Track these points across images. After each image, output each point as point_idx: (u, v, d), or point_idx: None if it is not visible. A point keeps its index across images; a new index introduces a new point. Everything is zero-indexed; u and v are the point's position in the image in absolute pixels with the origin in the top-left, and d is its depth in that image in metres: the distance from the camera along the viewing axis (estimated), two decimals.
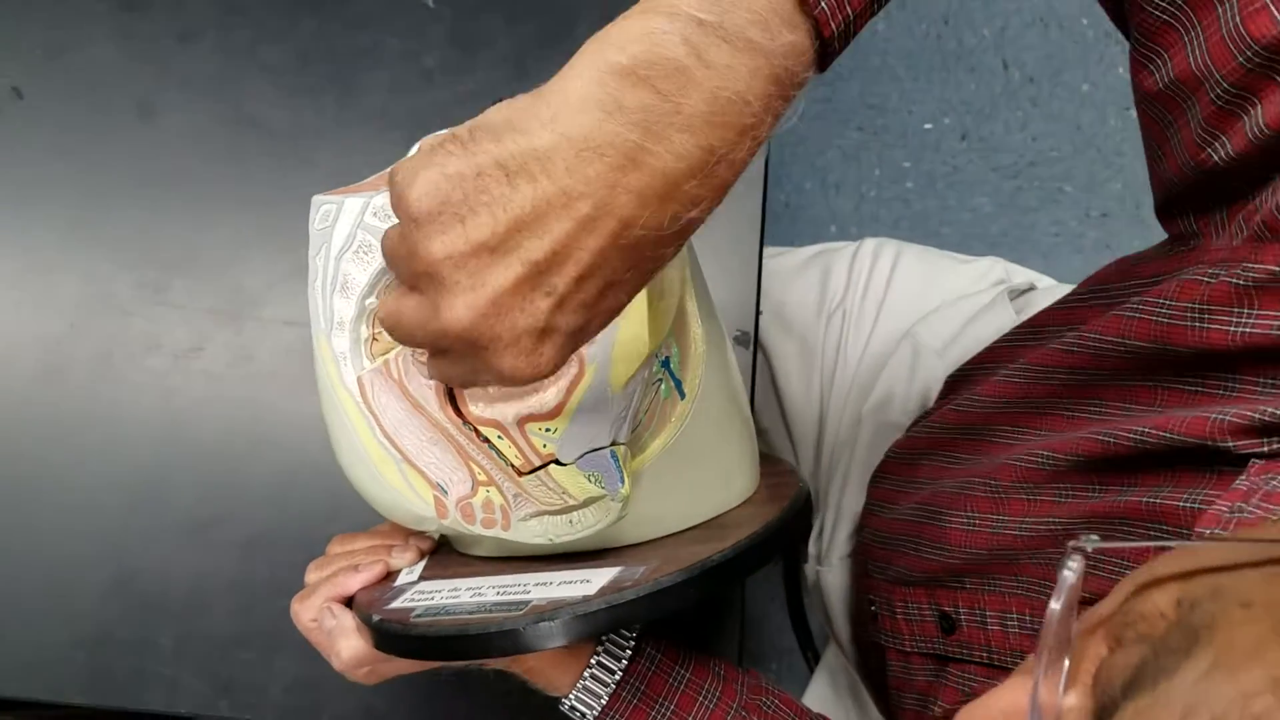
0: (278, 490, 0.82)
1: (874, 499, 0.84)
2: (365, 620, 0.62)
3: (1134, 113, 0.58)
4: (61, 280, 0.84)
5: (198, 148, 0.85)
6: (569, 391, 0.58)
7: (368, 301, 0.61)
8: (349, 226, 0.60)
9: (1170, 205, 0.58)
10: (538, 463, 0.60)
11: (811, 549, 0.98)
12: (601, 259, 0.41)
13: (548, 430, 0.59)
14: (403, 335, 0.45)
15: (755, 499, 0.68)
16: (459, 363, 0.44)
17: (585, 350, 0.58)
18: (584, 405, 0.57)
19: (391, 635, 0.60)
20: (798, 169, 1.61)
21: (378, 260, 0.60)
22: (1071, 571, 0.34)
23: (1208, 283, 0.51)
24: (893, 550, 0.76)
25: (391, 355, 0.61)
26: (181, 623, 0.81)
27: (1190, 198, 0.55)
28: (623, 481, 0.59)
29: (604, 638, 0.71)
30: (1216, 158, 0.51)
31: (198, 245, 0.84)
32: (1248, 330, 0.50)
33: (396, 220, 0.43)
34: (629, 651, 0.70)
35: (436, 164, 0.41)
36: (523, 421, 0.60)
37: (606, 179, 0.40)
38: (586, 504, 0.59)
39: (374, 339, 0.62)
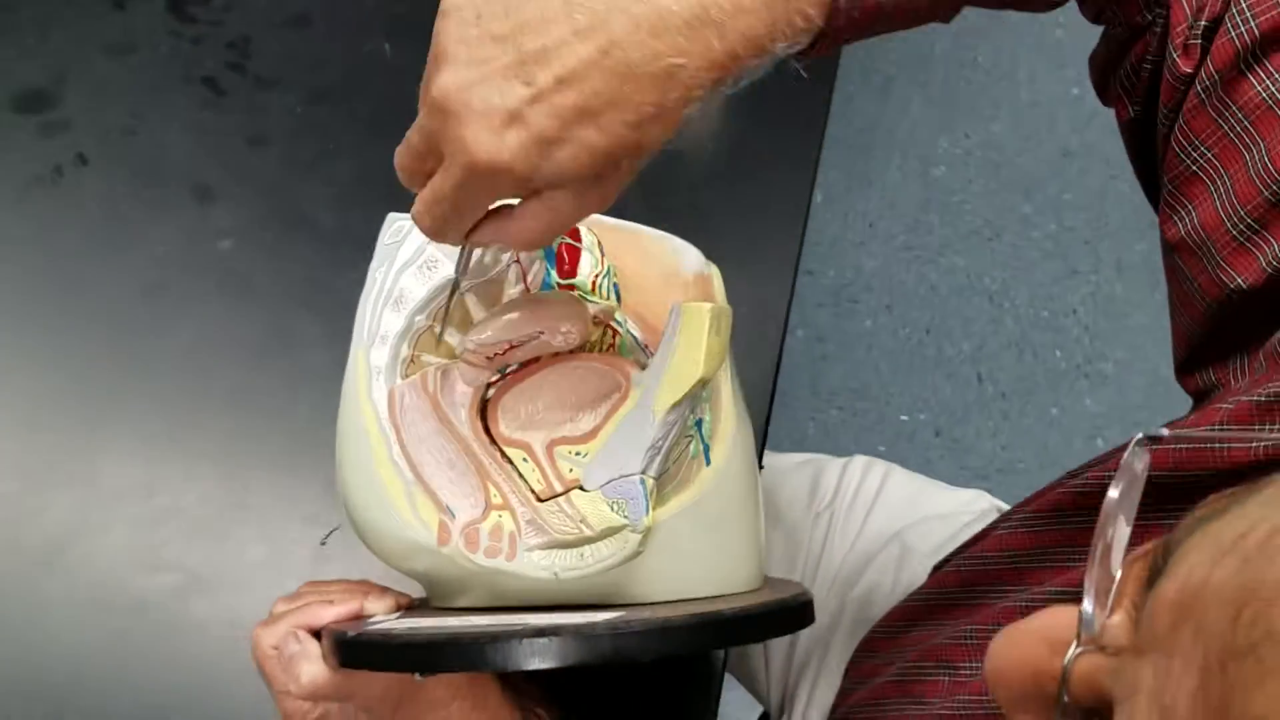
0: None
1: (853, 678, 0.81)
2: (338, 638, 0.58)
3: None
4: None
5: (244, 234, 0.88)
6: (608, 415, 0.58)
7: (417, 318, 0.62)
8: (420, 242, 0.62)
9: (1191, 360, 0.59)
10: (560, 489, 0.59)
11: None
12: (584, 69, 0.45)
13: (577, 454, 0.59)
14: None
15: (758, 593, 0.66)
16: (430, 137, 0.48)
17: (634, 372, 0.58)
18: (622, 428, 0.58)
19: (370, 645, 0.56)
20: (774, 435, 1.65)
21: (439, 276, 0.62)
22: (1137, 459, 0.33)
23: (1227, 408, 0.51)
24: (876, 717, 0.73)
25: (431, 369, 0.62)
26: None
27: (1210, 346, 0.57)
28: (647, 511, 0.58)
29: None
30: (1232, 293, 0.53)
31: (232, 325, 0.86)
32: (1270, 443, 0.51)
33: None
34: None
35: None
36: (552, 445, 0.60)
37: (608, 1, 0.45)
38: (603, 536, 0.57)
39: (413, 360, 0.63)
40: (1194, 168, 0.54)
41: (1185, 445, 0.53)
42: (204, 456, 0.81)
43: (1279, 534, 0.24)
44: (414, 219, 0.52)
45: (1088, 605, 0.31)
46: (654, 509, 0.58)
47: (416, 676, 0.56)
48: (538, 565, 0.58)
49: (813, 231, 1.85)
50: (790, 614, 0.59)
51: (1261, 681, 0.23)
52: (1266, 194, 0.50)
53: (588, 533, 0.57)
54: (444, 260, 0.62)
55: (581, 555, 0.58)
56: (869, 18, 0.49)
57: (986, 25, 1.98)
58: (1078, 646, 0.30)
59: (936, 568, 0.78)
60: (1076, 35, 1.98)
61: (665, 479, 0.60)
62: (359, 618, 0.63)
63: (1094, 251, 1.85)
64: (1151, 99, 0.57)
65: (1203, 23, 0.52)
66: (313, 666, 0.60)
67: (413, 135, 0.50)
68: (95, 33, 0.94)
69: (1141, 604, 0.30)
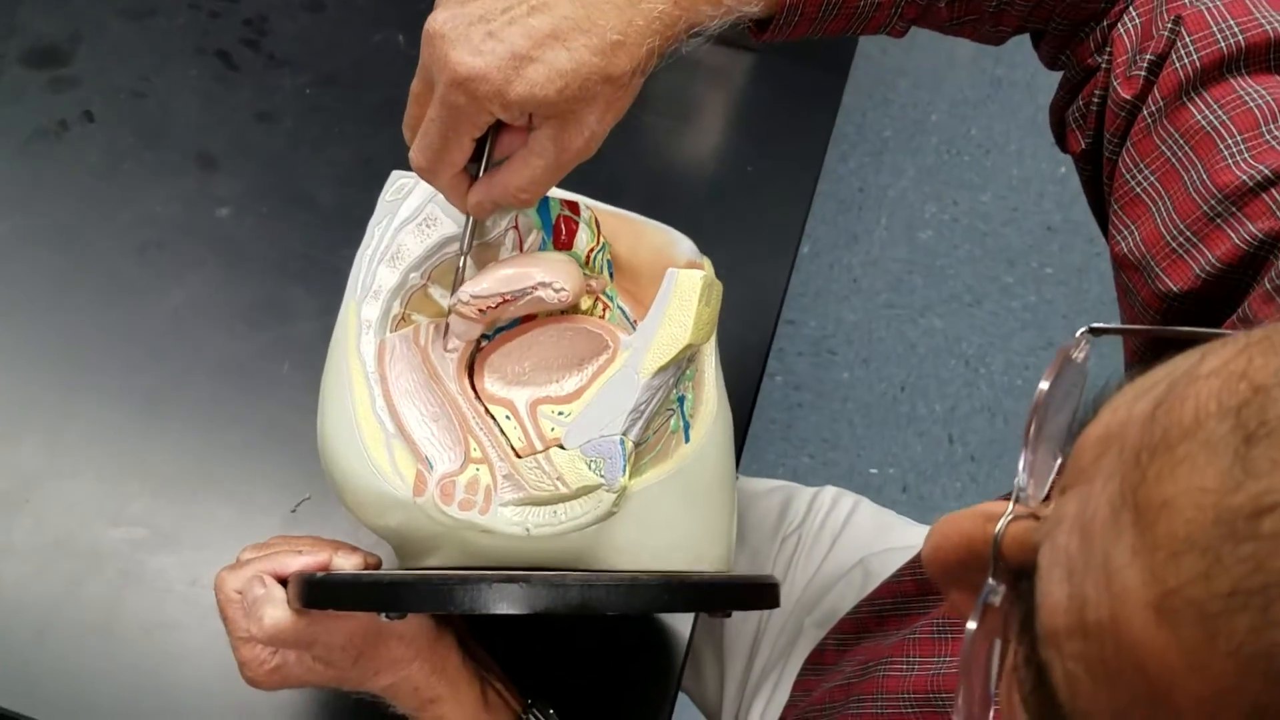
0: None
1: (800, 690, 0.81)
2: (306, 579, 0.58)
3: None
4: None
5: (243, 204, 0.89)
6: (594, 377, 0.59)
7: (412, 275, 0.63)
8: (420, 200, 0.63)
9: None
10: (540, 446, 0.60)
11: None
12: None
13: (560, 414, 0.59)
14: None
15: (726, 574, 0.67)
16: (424, 71, 0.54)
17: (622, 336, 0.59)
18: (607, 389, 0.58)
19: (338, 585, 0.56)
20: (743, 475, 1.65)
21: (437, 235, 0.63)
22: (1077, 349, 0.34)
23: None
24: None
25: (424, 323, 0.62)
26: None
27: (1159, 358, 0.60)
28: (624, 471, 0.58)
29: (527, 711, 0.66)
30: (1169, 300, 0.55)
31: (222, 293, 0.86)
32: None
33: None
34: None
35: None
36: (536, 404, 0.60)
37: None
38: (578, 494, 0.58)
39: (403, 318, 0.63)
40: (1138, 190, 0.57)
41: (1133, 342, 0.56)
42: (181, 417, 0.81)
43: (1196, 368, 0.26)
44: (411, 160, 0.56)
45: (1022, 478, 0.33)
46: (631, 476, 0.59)
47: (383, 617, 0.56)
48: (510, 521, 0.58)
49: (798, 283, 1.88)
50: (757, 591, 0.59)
51: (1173, 470, 0.25)
52: (1205, 208, 0.54)
53: (563, 490, 0.58)
54: (443, 218, 0.63)
55: (555, 512, 0.58)
56: (815, 6, 0.56)
57: (982, 100, 2.03)
58: (1011, 513, 0.32)
59: (892, 578, 0.79)
60: None
61: (644, 449, 0.61)
62: (325, 570, 0.63)
63: (1071, 326, 1.87)
64: (1100, 130, 0.61)
65: (1147, 56, 0.56)
66: (276, 610, 0.59)
67: (414, 83, 0.55)
68: None
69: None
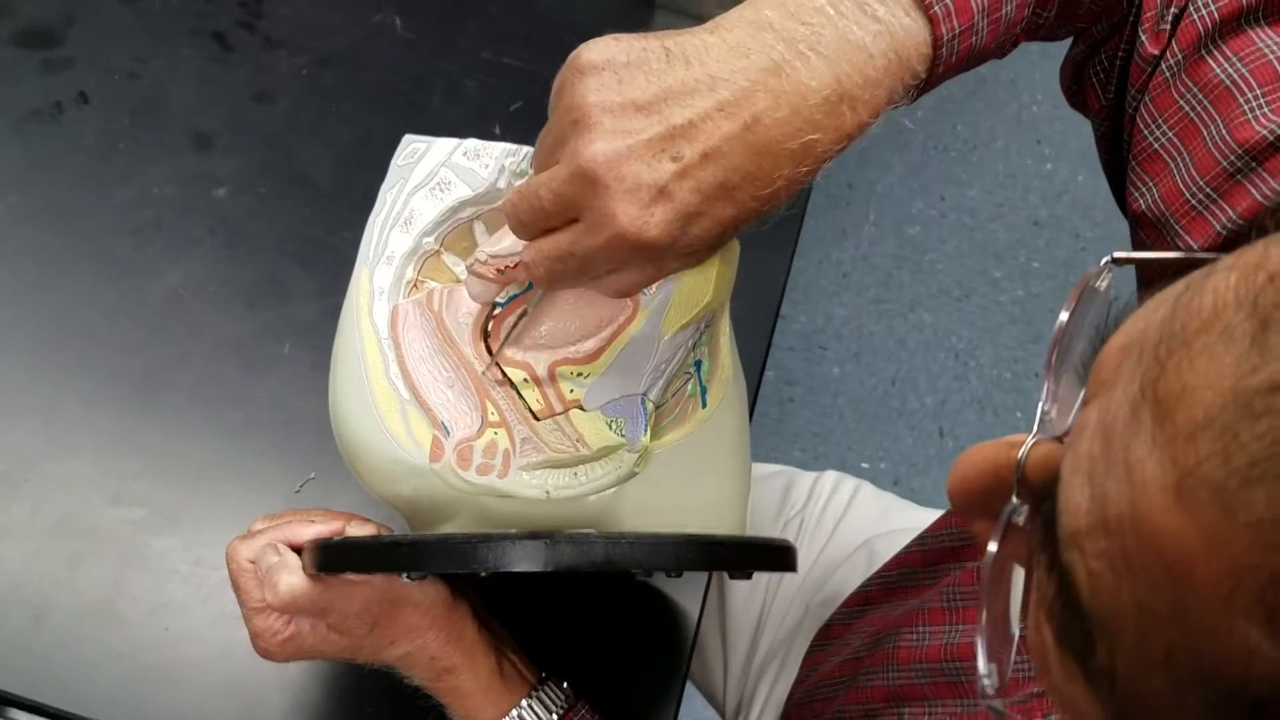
0: None
1: (808, 666, 0.81)
2: (322, 544, 0.57)
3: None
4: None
5: (241, 184, 0.88)
6: (613, 337, 0.58)
7: (425, 240, 0.62)
8: (433, 164, 0.62)
9: None
10: (559, 409, 0.59)
11: None
12: (728, 145, 0.46)
13: (579, 375, 0.59)
14: (541, 162, 0.49)
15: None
16: (567, 201, 0.47)
17: (641, 296, 0.58)
18: (626, 350, 0.57)
19: (356, 546, 0.55)
20: None
21: (450, 198, 0.62)
22: (1100, 279, 0.34)
23: None
24: (828, 698, 0.73)
25: (438, 289, 0.61)
26: None
27: None
28: (645, 431, 0.58)
29: (541, 684, 0.65)
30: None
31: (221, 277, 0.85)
32: None
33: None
34: (563, 704, 0.64)
35: (611, 36, 0.47)
36: (554, 366, 0.60)
37: (750, 74, 0.46)
38: (599, 455, 0.57)
39: (415, 284, 0.63)
40: (1156, 146, 0.57)
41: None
42: (181, 398, 0.80)
43: (1214, 266, 0.27)
44: (526, 266, 0.51)
45: (1046, 405, 0.33)
46: (651, 438, 0.58)
47: (404, 578, 0.54)
48: (530, 484, 0.57)
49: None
50: (776, 553, 0.58)
51: (1191, 361, 0.25)
52: (1224, 164, 0.53)
53: (584, 452, 0.57)
54: (456, 182, 0.62)
55: (576, 474, 0.58)
56: (963, 59, 0.52)
57: (965, 97, 2.03)
58: (1034, 436, 0.32)
59: (900, 552, 0.79)
60: (1049, 111, 2.04)
61: (663, 413, 0.60)
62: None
63: (1058, 320, 1.88)
64: (1121, 87, 0.60)
65: (1172, 10, 0.55)
66: (292, 577, 0.58)
67: (542, 193, 0.48)
68: None
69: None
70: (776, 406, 1.72)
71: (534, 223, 0.49)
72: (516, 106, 0.93)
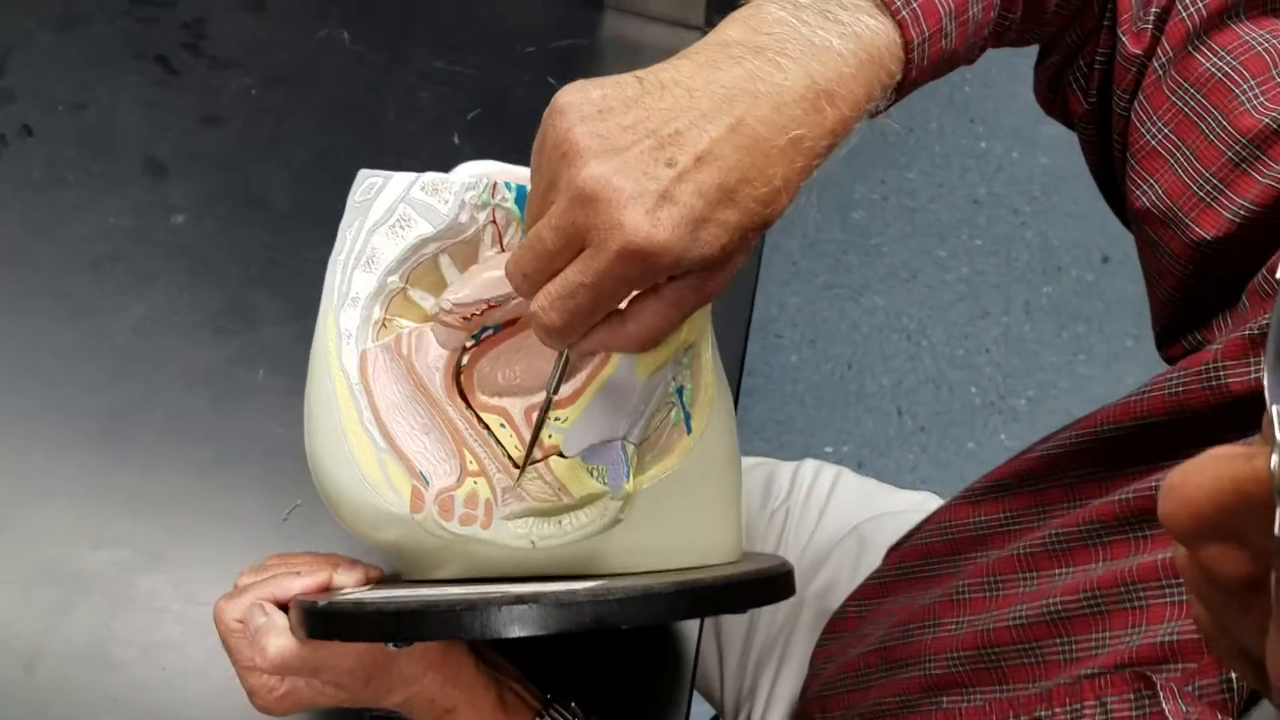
0: None
1: (822, 659, 0.81)
2: (307, 608, 0.55)
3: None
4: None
5: (198, 209, 0.86)
6: (589, 380, 0.57)
7: (390, 279, 0.61)
8: (391, 200, 0.61)
9: (1174, 327, 0.61)
10: (539, 455, 0.58)
11: None
12: (718, 147, 0.46)
13: (556, 420, 0.58)
14: (534, 213, 0.48)
15: (737, 564, 0.66)
16: (570, 230, 0.46)
17: None
18: (604, 392, 0.57)
19: (341, 615, 0.53)
20: None
21: (412, 236, 0.60)
22: None
23: (1217, 348, 0.53)
24: (855, 690, 0.73)
25: (405, 332, 0.60)
26: None
27: (1192, 310, 0.60)
28: (628, 477, 0.57)
29: (547, 708, 0.64)
30: (1203, 248, 0.56)
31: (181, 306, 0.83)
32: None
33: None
34: None
35: (583, 80, 0.47)
36: (530, 410, 0.59)
37: (724, 83, 0.47)
38: (582, 504, 0.56)
39: (384, 324, 0.61)
40: (1154, 143, 0.58)
41: (1183, 388, 0.55)
42: (154, 433, 0.77)
43: None
44: (537, 316, 0.48)
45: (1276, 408, 0.31)
46: (634, 476, 0.57)
47: (390, 646, 0.53)
48: (514, 534, 0.56)
49: None
50: (772, 584, 0.58)
51: None
52: (1229, 154, 0.54)
53: (566, 500, 0.56)
54: (416, 219, 0.60)
55: (560, 523, 0.57)
56: (934, 63, 0.52)
57: (874, 114, 2.05)
58: (1278, 443, 0.30)
59: (893, 547, 0.79)
60: (980, 90, 2.07)
61: (645, 447, 0.59)
62: (328, 590, 0.61)
63: (1004, 294, 1.91)
64: (1104, 89, 0.61)
65: (1153, 10, 0.56)
66: (280, 639, 0.57)
67: (544, 234, 0.47)
68: (43, 7, 0.91)
69: None
70: (738, 398, 1.73)
71: (539, 269, 0.47)
72: (474, 114, 0.92)
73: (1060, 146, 2.02)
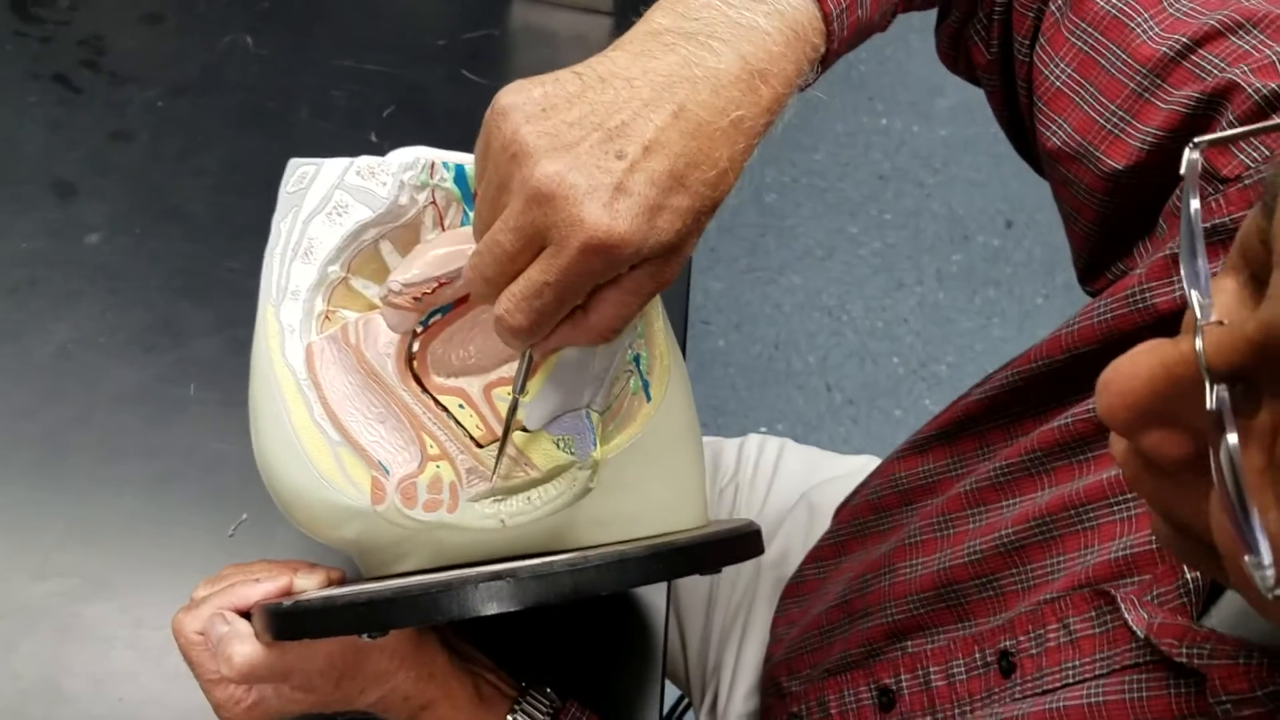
0: None
1: (781, 625, 0.81)
2: (272, 610, 0.54)
3: None
4: None
5: (113, 227, 0.83)
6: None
7: (330, 269, 0.59)
8: (326, 187, 0.59)
9: (1095, 261, 0.63)
10: (500, 432, 0.57)
11: None
12: (664, 135, 0.47)
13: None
14: (485, 217, 0.48)
15: (705, 529, 0.66)
16: (528, 230, 0.46)
17: None
18: (562, 364, 0.56)
19: (309, 612, 0.52)
20: None
21: (350, 222, 0.59)
22: (1194, 156, 0.34)
23: (1141, 272, 0.56)
24: (819, 648, 0.73)
25: (351, 320, 0.58)
26: None
27: (1111, 242, 0.62)
28: (595, 445, 0.57)
29: (524, 696, 0.63)
30: (1115, 178, 0.57)
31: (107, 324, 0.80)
32: None
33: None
34: (549, 709, 0.63)
35: (521, 80, 0.48)
36: (489, 388, 0.58)
37: (662, 71, 0.48)
38: (550, 477, 0.56)
39: (327, 316, 0.60)
40: (1058, 84, 0.60)
41: (1111, 314, 0.56)
42: (90, 457, 0.75)
43: None
44: (502, 320, 0.48)
45: (1194, 294, 0.33)
46: (600, 445, 0.57)
47: (365, 638, 0.52)
48: (482, 515, 0.56)
49: None
50: (742, 542, 0.58)
51: None
52: (1131, 85, 0.56)
53: (534, 474, 0.55)
54: (354, 204, 0.59)
55: (529, 499, 0.56)
56: (852, 33, 0.54)
57: (802, 86, 2.08)
58: (1200, 324, 0.31)
59: (842, 505, 0.80)
60: (876, 68, 2.11)
61: (607, 416, 0.59)
62: (288, 595, 0.59)
63: (916, 265, 1.95)
64: (1005, 39, 0.63)
65: None
66: (245, 646, 0.56)
67: (501, 237, 0.47)
68: None
69: (1242, 271, 0.33)
70: None
71: (500, 272, 0.47)
72: (389, 111, 0.91)
73: (957, 118, 2.07)
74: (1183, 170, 0.35)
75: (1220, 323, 0.32)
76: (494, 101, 0.47)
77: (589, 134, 0.46)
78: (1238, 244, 0.33)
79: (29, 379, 0.77)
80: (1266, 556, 0.31)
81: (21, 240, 0.81)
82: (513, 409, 0.55)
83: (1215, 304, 0.33)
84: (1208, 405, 0.31)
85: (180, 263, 0.83)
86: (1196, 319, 0.33)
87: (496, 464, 0.56)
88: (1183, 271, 0.33)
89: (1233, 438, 0.30)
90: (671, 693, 1.06)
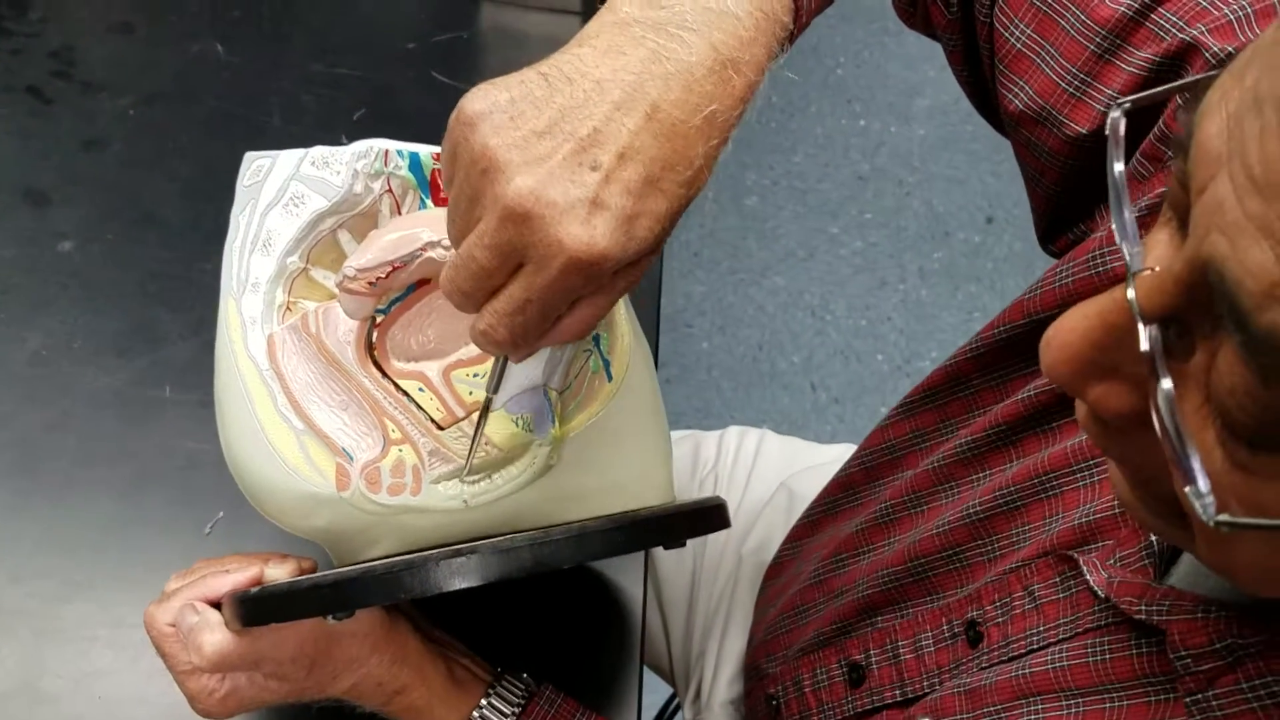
0: None
1: (763, 605, 0.81)
2: (241, 597, 0.54)
3: None
4: None
5: (86, 234, 0.84)
6: None
7: (289, 260, 0.60)
8: (282, 179, 0.60)
9: (1057, 223, 0.64)
10: (461, 414, 0.58)
11: (688, 713, 0.92)
12: (638, 140, 0.45)
13: (475, 376, 0.58)
14: (458, 229, 0.47)
15: (670, 503, 0.66)
16: (506, 248, 0.45)
17: None
18: None
19: (276, 596, 0.53)
20: None
21: (307, 212, 0.60)
22: (1116, 115, 0.35)
23: (1100, 235, 0.56)
24: (795, 628, 0.74)
25: (311, 310, 0.59)
26: None
27: (1072, 205, 0.62)
28: (554, 421, 0.57)
29: (498, 680, 0.64)
30: (1079, 142, 0.57)
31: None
32: None
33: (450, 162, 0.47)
34: (524, 693, 0.63)
35: (485, 83, 0.47)
36: (448, 370, 0.59)
37: (632, 69, 0.46)
38: (511, 457, 0.56)
39: (288, 307, 0.60)
40: (1019, 46, 0.59)
41: (1072, 278, 0.57)
42: (67, 461, 0.75)
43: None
44: (484, 334, 0.48)
45: (1125, 245, 0.33)
46: (560, 424, 0.58)
47: (331, 620, 0.53)
48: (446, 495, 0.56)
49: None
50: (706, 515, 0.58)
51: None
52: (1091, 47, 0.56)
53: (495, 453, 0.56)
54: (310, 194, 0.60)
55: (491, 478, 0.57)
56: (817, 4, 0.53)
57: (774, 69, 2.09)
58: (1133, 275, 0.32)
59: (839, 474, 0.80)
60: (854, 71, 2.12)
61: (568, 396, 0.59)
62: (259, 584, 0.60)
63: (898, 263, 1.96)
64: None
65: None
66: (215, 635, 0.56)
67: (477, 253, 0.46)
68: None
69: (1171, 221, 0.34)
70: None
71: (478, 288, 0.47)
72: (360, 115, 0.91)
73: (934, 117, 2.08)
74: (1107, 131, 0.35)
75: (1152, 270, 0.32)
76: (459, 108, 0.46)
77: (561, 145, 0.45)
78: (1167, 197, 0.34)
79: (3, 385, 0.77)
80: (1204, 485, 0.32)
81: None
82: (485, 408, 0.56)
83: (1149, 256, 0.34)
84: (1142, 347, 0.32)
85: (153, 267, 0.83)
86: (1128, 265, 0.33)
87: (468, 461, 0.56)
88: (1114, 226, 0.34)
89: (1166, 380, 0.31)
90: (663, 692, 1.06)
